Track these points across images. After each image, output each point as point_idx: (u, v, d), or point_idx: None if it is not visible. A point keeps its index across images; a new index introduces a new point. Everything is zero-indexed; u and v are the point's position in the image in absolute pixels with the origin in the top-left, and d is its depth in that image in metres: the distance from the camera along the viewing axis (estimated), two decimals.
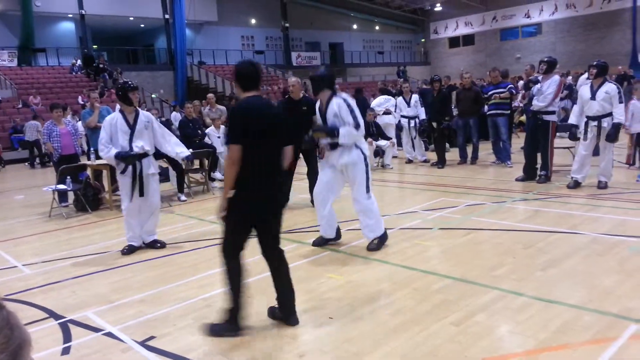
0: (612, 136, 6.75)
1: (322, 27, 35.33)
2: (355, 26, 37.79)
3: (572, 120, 7.25)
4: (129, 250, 5.47)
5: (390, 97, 12.47)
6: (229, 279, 3.39)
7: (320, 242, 5.24)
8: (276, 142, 3.37)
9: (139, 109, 5.61)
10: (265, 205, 3.37)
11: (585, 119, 6.97)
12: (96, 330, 3.59)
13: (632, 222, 5.38)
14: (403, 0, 36.14)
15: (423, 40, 40.41)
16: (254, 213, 3.36)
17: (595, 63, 6.95)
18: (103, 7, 25.59)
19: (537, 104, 7.40)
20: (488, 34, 36.02)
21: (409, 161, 10.79)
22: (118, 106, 11.11)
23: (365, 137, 10.11)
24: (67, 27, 26.87)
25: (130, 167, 5.34)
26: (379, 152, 10.42)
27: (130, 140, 5.34)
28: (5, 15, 23.75)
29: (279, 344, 3.22)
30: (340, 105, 4.74)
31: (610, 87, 6.77)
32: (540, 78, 7.62)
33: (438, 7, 37.26)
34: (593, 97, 6.83)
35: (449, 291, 3.85)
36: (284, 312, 3.50)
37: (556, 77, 7.55)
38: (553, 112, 7.51)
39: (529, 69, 11.42)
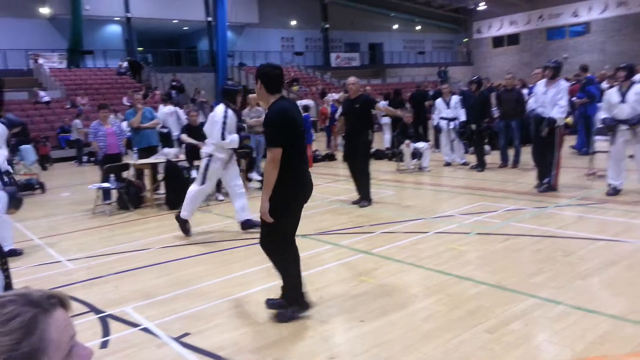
0: (635, 120, 6.52)
1: (362, 28, 35.22)
2: (395, 26, 37.50)
3: (602, 116, 7.02)
4: None
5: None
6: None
7: None
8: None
9: None
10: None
11: (615, 123, 6.73)
12: (134, 325, 3.70)
13: None
14: None
15: (466, 40, 39.67)
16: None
17: (623, 65, 6.74)
18: (148, 10, 26.34)
19: (559, 115, 7.17)
20: (534, 33, 35.04)
21: (448, 164, 10.63)
22: (161, 107, 11.45)
23: (403, 139, 10.11)
24: (114, 30, 27.77)
25: None
26: (416, 155, 10.31)
27: None
28: (56, 19, 24.77)
29: (309, 344, 3.24)
30: None
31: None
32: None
33: (482, 6, 36.51)
34: (623, 100, 6.60)
35: (484, 298, 3.77)
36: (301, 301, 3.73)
37: (563, 83, 7.41)
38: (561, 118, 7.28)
39: (580, 72, 11.23)
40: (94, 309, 4.04)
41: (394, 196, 8.02)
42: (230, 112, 6.00)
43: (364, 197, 7.29)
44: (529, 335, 3.18)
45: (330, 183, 9.61)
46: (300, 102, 14.56)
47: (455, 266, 4.50)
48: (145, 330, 3.61)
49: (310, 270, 4.65)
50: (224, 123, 5.84)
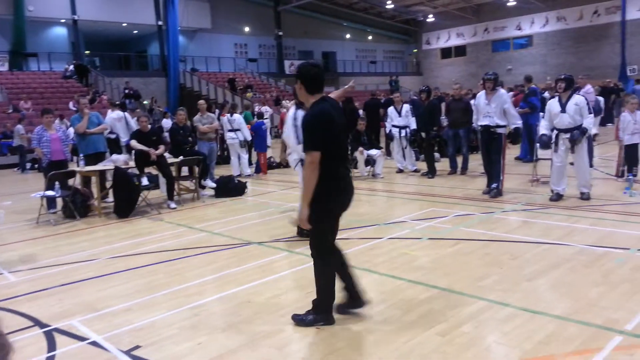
0: (575, 136, 6.86)
1: (316, 36, 35.53)
2: (348, 35, 38.04)
3: (542, 131, 7.39)
4: None
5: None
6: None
7: None
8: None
9: None
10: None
11: (556, 132, 7.09)
12: (81, 339, 3.56)
13: (618, 233, 5.44)
14: (396, 10, 36.43)
15: (415, 50, 40.72)
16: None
17: (563, 77, 7.07)
18: (96, 12, 25.60)
19: (518, 125, 7.51)
20: (480, 45, 36.38)
21: (400, 171, 10.83)
22: (109, 112, 11.12)
23: (357, 147, 10.23)
24: (60, 32, 26.82)
25: None
26: (369, 162, 10.45)
27: None
28: None
29: (265, 353, 3.21)
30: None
31: (579, 99, 6.94)
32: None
33: (430, 18, 37.62)
34: (563, 110, 6.95)
35: (436, 301, 3.86)
36: (356, 298, 3.63)
37: (503, 91, 7.79)
38: (505, 126, 7.60)
39: (524, 83, 11.72)
40: (38, 323, 3.86)
41: None
42: (300, 113, 5.63)
43: None
44: (479, 337, 3.28)
45: (285, 190, 9.60)
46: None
47: (408, 271, 4.59)
48: (94, 344, 3.48)
49: (265, 278, 4.63)
50: (295, 126, 5.52)
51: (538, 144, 8.00)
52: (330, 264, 3.53)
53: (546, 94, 12.25)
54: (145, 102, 23.22)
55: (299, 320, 3.57)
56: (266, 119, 17.38)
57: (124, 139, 10.30)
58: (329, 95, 8.31)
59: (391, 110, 10.88)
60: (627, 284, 3.99)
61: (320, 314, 3.54)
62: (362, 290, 3.65)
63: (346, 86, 8.08)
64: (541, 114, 11.70)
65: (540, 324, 3.37)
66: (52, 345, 3.48)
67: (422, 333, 3.34)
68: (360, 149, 10.25)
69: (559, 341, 3.13)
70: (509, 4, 32.15)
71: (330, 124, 3.32)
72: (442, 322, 3.48)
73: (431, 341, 3.23)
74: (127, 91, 22.42)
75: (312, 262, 3.56)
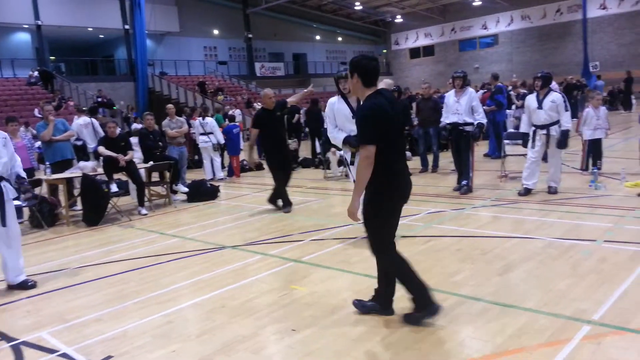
0: (562, 143, 7.03)
1: (286, 38, 35.51)
2: (318, 37, 38.12)
3: (523, 129, 7.53)
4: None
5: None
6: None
7: None
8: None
9: None
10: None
11: (533, 128, 7.24)
12: (51, 351, 3.47)
13: (585, 226, 5.58)
14: (364, 12, 36.68)
15: (385, 51, 41.06)
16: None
17: (540, 75, 7.22)
18: (60, 17, 25.02)
19: (481, 120, 7.61)
20: (447, 45, 36.92)
21: None
22: (76, 118, 10.86)
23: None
24: (23, 38, 26.12)
25: None
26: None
27: None
28: None
29: (241, 359, 3.19)
30: None
31: (556, 97, 7.08)
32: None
33: (398, 19, 38.00)
34: (540, 107, 7.10)
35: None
36: (383, 303, 3.64)
37: (471, 90, 7.88)
38: (472, 124, 7.70)
39: (491, 80, 11.93)
40: (5, 337, 3.74)
41: (321, 203, 8.10)
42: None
43: (289, 203, 7.53)
44: (453, 332, 3.31)
45: (257, 193, 9.55)
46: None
47: None
48: (64, 356, 3.39)
49: (240, 281, 4.59)
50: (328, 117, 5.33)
51: (505, 141, 8.13)
52: (394, 259, 3.49)
53: (512, 92, 12.49)
54: (115, 107, 22.74)
55: (409, 321, 3.48)
56: (238, 121, 17.28)
57: (91, 145, 10.09)
58: (289, 99, 8.28)
59: None
60: (593, 274, 4.09)
61: (422, 309, 3.44)
62: (433, 296, 3.49)
63: (305, 90, 8.05)
64: (508, 111, 11.98)
65: (512, 317, 3.43)
66: None
67: (397, 331, 3.37)
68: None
69: (530, 333, 3.19)
70: (474, 3, 32.73)
71: (385, 118, 3.27)
72: None
73: (405, 339, 3.25)
74: (100, 99, 21.86)
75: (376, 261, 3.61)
